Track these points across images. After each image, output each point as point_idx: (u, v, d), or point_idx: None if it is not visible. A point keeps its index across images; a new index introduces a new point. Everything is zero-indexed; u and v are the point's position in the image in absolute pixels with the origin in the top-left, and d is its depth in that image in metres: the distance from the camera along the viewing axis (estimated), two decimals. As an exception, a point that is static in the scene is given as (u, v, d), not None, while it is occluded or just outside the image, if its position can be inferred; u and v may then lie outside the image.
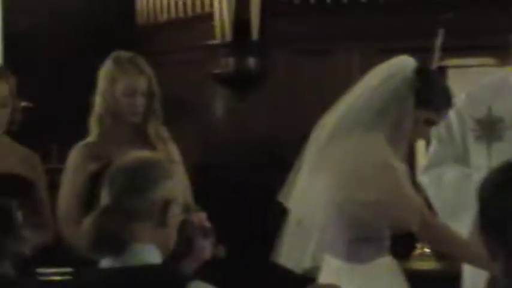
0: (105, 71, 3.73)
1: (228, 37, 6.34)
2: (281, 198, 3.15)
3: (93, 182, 3.52)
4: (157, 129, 3.76)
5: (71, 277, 3.95)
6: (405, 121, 3.08)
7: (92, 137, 3.74)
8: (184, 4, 6.83)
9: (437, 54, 4.82)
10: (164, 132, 3.80)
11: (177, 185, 2.47)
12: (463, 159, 3.73)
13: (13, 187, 3.41)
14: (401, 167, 3.03)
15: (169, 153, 3.72)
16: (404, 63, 3.14)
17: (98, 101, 3.72)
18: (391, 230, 3.08)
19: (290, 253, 3.13)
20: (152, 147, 3.64)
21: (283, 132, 6.17)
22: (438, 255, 4.67)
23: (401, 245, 3.29)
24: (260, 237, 3.81)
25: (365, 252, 3.05)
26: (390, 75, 3.11)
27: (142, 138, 3.71)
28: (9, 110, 3.66)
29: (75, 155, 3.73)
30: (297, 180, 3.13)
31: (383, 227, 3.06)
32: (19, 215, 2.85)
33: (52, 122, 6.37)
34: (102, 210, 2.37)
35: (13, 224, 2.78)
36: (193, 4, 6.76)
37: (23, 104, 4.39)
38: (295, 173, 3.14)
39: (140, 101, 3.69)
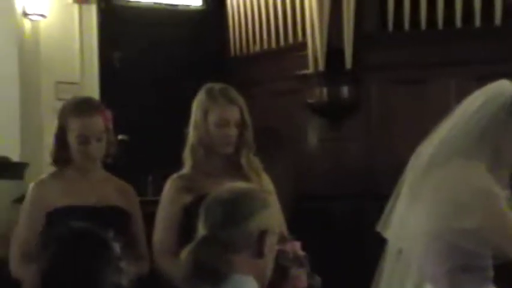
0: (198, 102, 3.76)
1: (321, 66, 6.33)
2: (379, 228, 3.10)
3: (188, 214, 3.54)
4: (250, 159, 3.75)
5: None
6: (506, 147, 2.99)
7: (186, 169, 3.75)
8: (277, 34, 6.86)
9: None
10: (257, 163, 3.79)
11: (273, 215, 2.46)
12: None
13: (110, 219, 3.44)
14: (502, 194, 2.94)
15: (263, 184, 3.70)
16: (503, 87, 3.05)
17: (192, 133, 3.74)
18: (494, 260, 2.99)
19: (390, 284, 3.07)
20: (245, 178, 3.64)
21: (378, 161, 6.10)
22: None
23: (506, 275, 3.18)
24: (357, 267, 3.76)
25: (467, 282, 2.96)
26: (488, 100, 3.03)
27: (235, 169, 3.71)
28: (104, 144, 3.70)
29: (169, 187, 3.75)
30: (395, 209, 3.07)
31: (485, 256, 2.97)
32: (117, 247, 2.87)
33: (147, 154, 6.45)
34: (199, 242, 2.37)
35: (111, 256, 2.81)
36: (286, 34, 6.78)
37: (119, 137, 4.44)
38: (393, 202, 3.08)
39: (233, 132, 3.70)
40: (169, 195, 3.73)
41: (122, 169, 3.95)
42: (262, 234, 2.34)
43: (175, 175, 3.78)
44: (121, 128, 4.33)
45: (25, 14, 6.65)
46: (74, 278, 2.61)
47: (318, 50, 6.28)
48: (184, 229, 3.52)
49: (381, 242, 3.13)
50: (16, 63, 6.47)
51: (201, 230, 2.40)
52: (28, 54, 6.75)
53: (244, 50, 7.18)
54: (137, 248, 3.72)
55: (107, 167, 3.82)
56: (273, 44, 6.89)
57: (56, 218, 3.52)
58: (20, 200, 3.89)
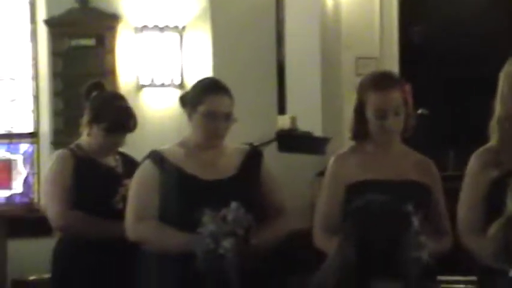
0: (505, 74, 3.61)
1: None
2: None
3: (495, 189, 3.42)
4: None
5: (474, 286, 3.86)
6: None
7: (492, 143, 3.63)
8: None
9: None
10: None
11: None
12: None
13: (409, 193, 3.40)
14: None
15: None
16: None
17: (498, 106, 3.60)
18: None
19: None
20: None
21: None
22: None
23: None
24: None
25: None
26: None
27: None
28: (403, 118, 3.67)
29: (474, 162, 3.64)
30: None
31: None
32: (416, 221, 2.84)
33: (449, 129, 6.35)
34: (509, 219, 2.27)
35: (412, 229, 2.78)
36: None
37: (419, 111, 4.39)
38: None
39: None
40: (474, 171, 3.62)
41: (421, 143, 3.90)
42: None
43: (480, 149, 3.66)
44: (421, 102, 4.28)
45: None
46: (377, 251, 2.62)
47: None
48: (491, 205, 3.41)
49: None
50: (318, 39, 6.61)
51: (510, 206, 2.29)
52: (329, 30, 6.86)
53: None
54: (439, 223, 3.66)
55: (406, 141, 3.79)
56: None
57: (355, 191, 3.54)
58: (322, 173, 3.96)
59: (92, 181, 4.15)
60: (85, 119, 4.24)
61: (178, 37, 6.67)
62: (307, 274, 2.90)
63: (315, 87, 6.60)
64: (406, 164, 3.72)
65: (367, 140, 3.72)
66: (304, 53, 6.55)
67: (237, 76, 6.04)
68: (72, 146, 4.26)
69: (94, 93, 4.26)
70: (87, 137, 4.23)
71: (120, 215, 3.90)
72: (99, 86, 4.35)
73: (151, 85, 6.65)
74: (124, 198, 3.98)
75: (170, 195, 3.68)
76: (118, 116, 4.18)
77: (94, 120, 4.18)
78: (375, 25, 7.03)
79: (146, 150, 3.84)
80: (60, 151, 4.28)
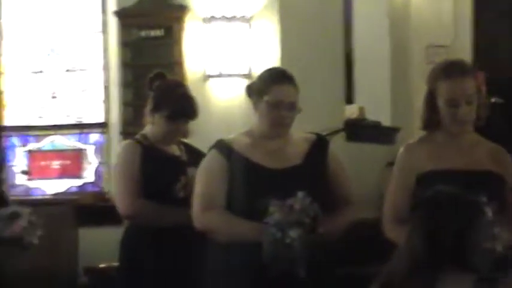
0: None
1: None
2: None
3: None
4: None
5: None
6: None
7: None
8: None
9: None
10: None
11: None
12: None
13: (481, 183, 3.34)
14: None
15: None
16: None
17: None
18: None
19: None
20: None
21: None
22: None
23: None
24: None
25: None
26: None
27: None
28: (475, 107, 3.60)
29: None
30: None
31: None
32: (490, 212, 2.79)
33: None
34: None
35: (485, 220, 2.73)
36: None
37: (492, 99, 4.32)
38: None
39: None
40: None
41: (495, 132, 3.82)
42: None
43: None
44: (496, 91, 4.20)
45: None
46: (447, 242, 2.58)
47: None
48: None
49: None
50: (386, 27, 6.54)
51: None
52: (398, 18, 6.78)
53: None
54: (509, 213, 3.58)
55: (479, 130, 3.72)
56: None
57: (425, 182, 3.49)
58: (392, 164, 3.92)
59: (157, 170, 4.18)
60: (148, 108, 4.27)
61: (246, 27, 6.66)
62: (377, 265, 2.87)
63: (384, 77, 6.54)
64: (478, 153, 3.65)
65: (438, 129, 3.66)
66: (372, 42, 6.50)
67: (305, 66, 6.01)
68: (137, 136, 4.30)
69: (157, 83, 4.29)
70: (151, 126, 4.26)
71: (182, 204, 3.92)
72: (161, 76, 4.38)
73: (219, 75, 6.66)
74: (185, 187, 4.01)
75: (236, 185, 3.68)
76: (179, 103, 4.21)
77: (156, 108, 4.21)
78: (447, 11, 6.91)
79: (213, 140, 3.85)
80: (126, 142, 4.33)
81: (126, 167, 4.20)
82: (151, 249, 4.13)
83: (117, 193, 4.27)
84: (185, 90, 4.34)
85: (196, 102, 4.28)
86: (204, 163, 3.81)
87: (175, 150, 4.31)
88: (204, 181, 3.75)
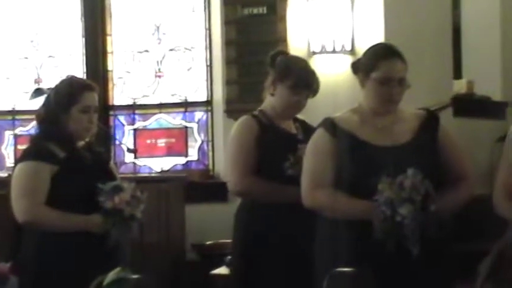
0: None
1: None
2: None
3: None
4: None
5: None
6: None
7: None
8: None
9: None
10: None
11: None
12: None
13: None
14: None
15: None
16: None
17: None
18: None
19: None
20: None
21: None
22: None
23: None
24: None
25: None
26: None
27: None
28: None
29: None
30: None
31: None
32: None
33: None
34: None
35: None
36: None
37: None
38: None
39: None
40: None
41: None
42: None
43: None
44: None
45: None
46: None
47: None
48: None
49: None
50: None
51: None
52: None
53: None
54: None
55: None
56: None
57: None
58: (502, 139, 3.82)
59: (271, 147, 4.18)
60: (269, 80, 4.27)
61: (350, 2, 6.58)
62: (488, 241, 2.81)
63: (494, 50, 6.38)
64: None
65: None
66: (482, 14, 6.34)
67: (410, 40, 5.90)
68: (255, 112, 4.29)
69: (279, 58, 4.31)
70: (270, 100, 4.26)
71: (290, 181, 3.93)
72: (283, 53, 4.47)
73: (323, 52, 6.61)
74: (295, 165, 4.00)
75: (344, 163, 3.66)
76: (304, 74, 4.22)
77: (280, 78, 4.22)
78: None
79: (319, 118, 3.82)
80: (244, 117, 4.30)
81: (241, 143, 4.20)
82: (261, 226, 4.13)
83: (228, 168, 4.29)
84: (309, 65, 4.35)
85: (318, 78, 4.27)
86: (311, 142, 3.79)
87: (291, 127, 4.30)
88: (313, 160, 3.74)
